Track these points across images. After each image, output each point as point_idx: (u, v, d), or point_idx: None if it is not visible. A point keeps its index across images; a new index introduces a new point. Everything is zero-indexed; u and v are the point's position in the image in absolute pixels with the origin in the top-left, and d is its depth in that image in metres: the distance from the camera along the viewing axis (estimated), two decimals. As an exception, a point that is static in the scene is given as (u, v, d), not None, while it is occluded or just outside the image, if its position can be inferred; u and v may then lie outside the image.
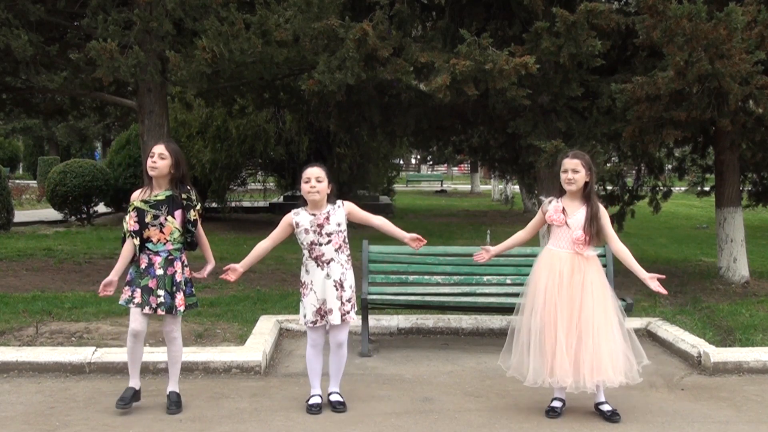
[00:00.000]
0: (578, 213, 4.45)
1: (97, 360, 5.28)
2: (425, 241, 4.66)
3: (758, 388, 5.13)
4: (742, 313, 7.00)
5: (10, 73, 8.99)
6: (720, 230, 8.72)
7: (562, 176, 4.49)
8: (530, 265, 6.23)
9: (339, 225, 4.49)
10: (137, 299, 4.41)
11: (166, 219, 4.40)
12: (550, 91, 7.83)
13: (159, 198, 4.42)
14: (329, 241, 4.47)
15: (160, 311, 4.42)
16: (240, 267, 4.55)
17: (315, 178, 4.44)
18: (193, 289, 4.57)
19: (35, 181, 28.95)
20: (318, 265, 4.47)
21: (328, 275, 4.46)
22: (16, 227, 14.17)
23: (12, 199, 14.68)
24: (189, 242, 4.54)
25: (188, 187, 4.50)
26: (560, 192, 4.57)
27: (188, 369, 5.27)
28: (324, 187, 4.46)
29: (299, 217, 4.51)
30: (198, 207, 4.53)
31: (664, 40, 6.71)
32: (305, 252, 4.52)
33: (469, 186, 35.11)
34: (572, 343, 4.31)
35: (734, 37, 6.46)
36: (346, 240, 4.57)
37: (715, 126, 8.03)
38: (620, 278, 7.70)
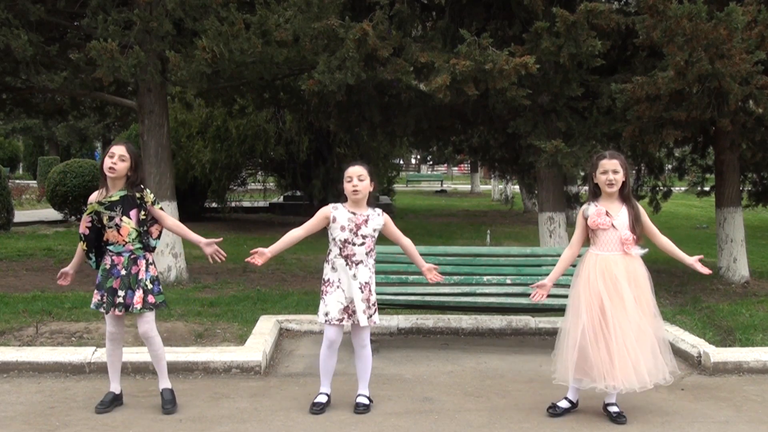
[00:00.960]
0: (621, 214, 4.39)
1: (97, 360, 5.28)
2: (441, 278, 4.76)
3: (758, 388, 5.13)
4: (742, 313, 7.00)
5: (10, 73, 8.98)
6: (720, 230, 8.72)
7: (602, 178, 4.37)
8: (530, 265, 6.33)
9: (375, 231, 4.50)
10: (105, 304, 4.41)
11: (121, 220, 4.37)
12: (550, 91, 7.83)
13: (113, 199, 4.38)
14: (363, 243, 4.45)
15: (117, 312, 4.39)
16: (268, 252, 4.42)
17: (357, 177, 4.41)
18: (160, 287, 4.52)
19: (35, 181, 28.95)
20: (347, 264, 4.45)
21: (354, 276, 4.45)
22: (16, 227, 14.17)
23: (12, 199, 14.67)
24: (146, 243, 4.46)
25: (142, 187, 4.45)
26: (594, 195, 4.48)
27: (188, 369, 5.27)
28: (366, 185, 4.44)
29: (338, 212, 4.48)
30: (152, 203, 4.45)
31: (664, 40, 6.71)
32: (335, 249, 4.48)
33: (469, 186, 35.11)
34: (632, 345, 4.26)
35: (734, 37, 6.47)
36: (374, 247, 4.57)
37: (715, 126, 8.04)
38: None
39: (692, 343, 5.87)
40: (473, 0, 8.06)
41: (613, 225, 4.37)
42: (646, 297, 4.38)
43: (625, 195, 4.43)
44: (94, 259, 4.49)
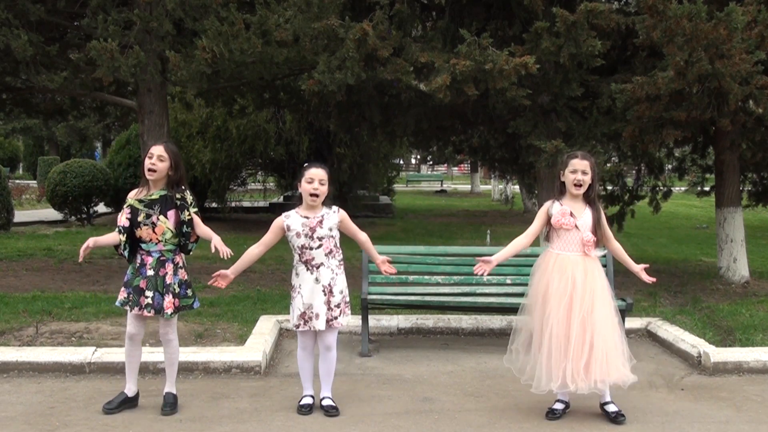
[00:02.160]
0: (584, 215, 4.39)
1: (97, 360, 5.28)
2: (394, 270, 4.70)
3: (758, 388, 5.13)
4: (742, 313, 7.00)
5: (10, 73, 8.99)
6: (720, 230, 8.72)
7: (571, 177, 4.37)
8: (530, 265, 6.28)
9: (330, 230, 4.44)
10: (131, 302, 4.42)
11: (158, 218, 4.36)
12: (550, 91, 7.83)
13: (153, 197, 4.39)
14: (320, 246, 4.41)
15: (146, 312, 4.39)
16: (230, 273, 4.46)
17: (318, 180, 4.37)
18: (188, 291, 4.51)
19: (35, 181, 28.94)
20: (308, 269, 4.44)
21: (317, 280, 4.42)
22: (16, 227, 14.16)
23: (12, 199, 14.66)
24: (183, 245, 4.47)
25: (183, 188, 4.45)
26: (560, 193, 4.49)
27: (188, 369, 5.27)
28: (325, 189, 4.41)
29: (290, 220, 4.46)
30: (193, 208, 4.45)
31: (664, 40, 6.71)
32: (296, 255, 4.49)
33: (469, 186, 35.11)
34: (586, 347, 4.26)
35: (734, 37, 6.46)
36: (338, 245, 4.51)
37: (715, 126, 8.04)
38: (620, 278, 7.71)
39: (692, 343, 5.87)
40: (473, 0, 8.07)
41: (576, 226, 4.37)
42: (604, 298, 4.36)
43: (590, 198, 4.43)
44: (128, 249, 4.47)
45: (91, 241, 4.38)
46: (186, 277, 4.52)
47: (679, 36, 6.58)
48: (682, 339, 6.01)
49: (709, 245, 12.39)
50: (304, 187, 4.40)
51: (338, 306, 4.47)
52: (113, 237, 4.45)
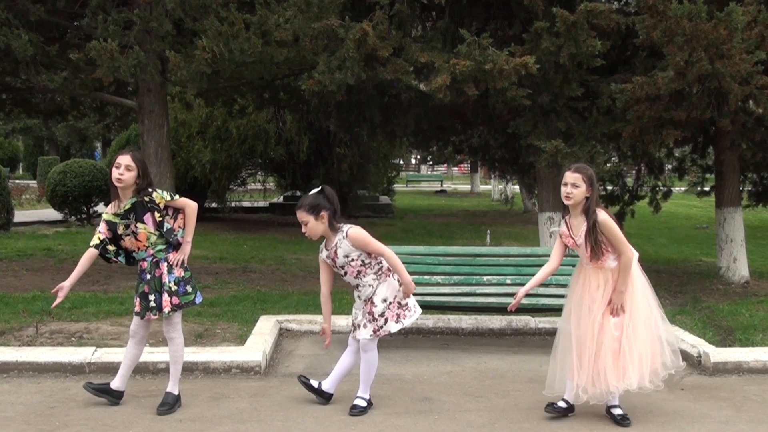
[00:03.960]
0: (581, 229, 4.34)
1: (97, 360, 5.28)
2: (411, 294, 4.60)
3: (758, 388, 5.13)
4: (742, 313, 7.00)
5: (10, 73, 8.99)
6: (720, 230, 8.72)
7: (562, 189, 4.33)
8: (530, 265, 6.34)
9: (347, 257, 4.44)
10: (137, 308, 4.50)
11: (136, 226, 4.40)
12: (550, 91, 7.83)
13: (126, 208, 4.41)
14: (345, 273, 4.52)
15: (152, 316, 4.46)
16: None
17: (303, 223, 4.41)
18: (188, 287, 4.53)
19: (35, 181, 28.94)
20: (352, 288, 4.64)
21: (359, 297, 4.60)
22: (16, 227, 14.16)
23: (12, 199, 14.66)
24: (173, 242, 4.49)
25: (150, 190, 4.42)
26: (565, 208, 4.44)
27: (188, 369, 5.27)
28: (311, 226, 4.38)
29: (323, 254, 4.58)
30: (163, 200, 4.43)
31: (664, 40, 6.72)
32: None
33: (469, 186, 35.12)
34: (593, 356, 4.26)
35: (734, 37, 6.47)
36: (366, 261, 4.48)
37: (715, 126, 8.04)
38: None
39: (692, 343, 5.87)
40: (473, 0, 8.07)
41: (575, 243, 4.39)
42: (635, 304, 4.33)
43: (585, 209, 4.30)
44: (123, 255, 4.55)
45: (66, 283, 4.44)
46: (183, 273, 4.52)
47: (679, 36, 6.59)
48: (682, 339, 6.00)
49: (709, 245, 12.40)
50: None
51: (383, 315, 4.50)
52: (84, 262, 4.45)
